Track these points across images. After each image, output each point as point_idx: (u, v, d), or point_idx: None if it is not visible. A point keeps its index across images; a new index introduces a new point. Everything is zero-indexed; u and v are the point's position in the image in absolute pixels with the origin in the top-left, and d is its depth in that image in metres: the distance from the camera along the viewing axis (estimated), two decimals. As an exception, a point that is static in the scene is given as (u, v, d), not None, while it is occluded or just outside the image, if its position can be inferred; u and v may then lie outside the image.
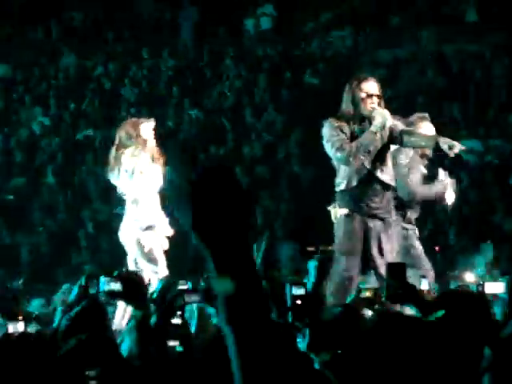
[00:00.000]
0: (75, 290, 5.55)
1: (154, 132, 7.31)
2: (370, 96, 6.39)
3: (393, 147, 6.67)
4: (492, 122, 13.24)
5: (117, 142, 7.30)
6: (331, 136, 6.41)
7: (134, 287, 3.80)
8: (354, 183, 6.44)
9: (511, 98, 13.48)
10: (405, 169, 6.85)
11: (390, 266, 3.59)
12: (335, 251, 6.55)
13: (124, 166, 7.10)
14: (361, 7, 15.94)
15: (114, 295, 3.94)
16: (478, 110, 13.49)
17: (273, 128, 14.50)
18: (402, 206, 6.88)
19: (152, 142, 7.24)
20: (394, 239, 6.53)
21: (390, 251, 6.43)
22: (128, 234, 7.08)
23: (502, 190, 12.08)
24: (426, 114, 7.04)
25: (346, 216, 6.43)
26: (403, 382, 2.48)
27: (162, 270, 6.98)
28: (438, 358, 2.61)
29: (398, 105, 13.54)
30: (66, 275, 12.42)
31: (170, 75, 15.81)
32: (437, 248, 10.77)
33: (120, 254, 12.64)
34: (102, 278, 3.91)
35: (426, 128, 6.89)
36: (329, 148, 6.45)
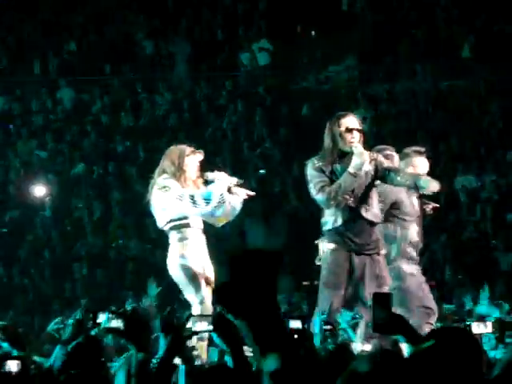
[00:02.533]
0: (70, 324, 5.49)
1: (199, 164, 6.98)
2: (349, 131, 6.45)
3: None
4: (487, 158, 13.28)
5: (159, 169, 6.99)
6: (312, 177, 6.48)
7: (137, 327, 3.70)
8: (340, 222, 6.46)
9: (506, 134, 13.54)
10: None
11: (376, 296, 3.58)
12: (320, 284, 6.58)
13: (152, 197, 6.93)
14: (357, 42, 16.05)
15: (114, 333, 3.86)
16: (473, 145, 13.54)
17: (269, 162, 14.52)
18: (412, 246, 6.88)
19: (193, 175, 6.91)
20: (382, 275, 6.53)
21: (375, 287, 6.45)
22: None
23: (498, 225, 12.08)
24: (423, 149, 7.04)
25: (332, 250, 6.46)
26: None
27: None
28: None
29: (392, 139, 13.59)
30: (62, 308, 12.36)
31: (166, 109, 15.86)
32: (432, 284, 10.75)
33: (115, 287, 12.58)
34: (106, 314, 3.82)
35: (420, 163, 6.88)
36: (311, 190, 6.53)
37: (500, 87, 14.35)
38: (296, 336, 4.23)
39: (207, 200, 6.77)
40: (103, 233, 14.11)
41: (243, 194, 6.97)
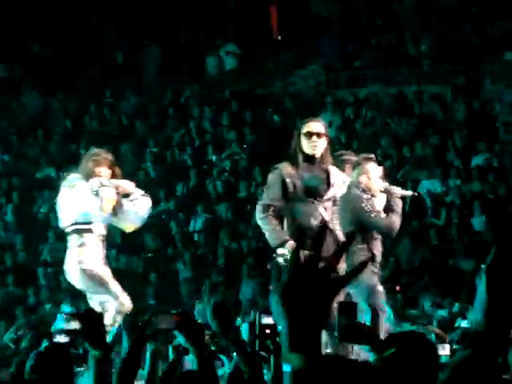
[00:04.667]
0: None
1: (110, 170, 6.97)
2: (310, 135, 6.57)
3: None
4: (452, 163, 13.39)
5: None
6: (269, 186, 6.64)
7: (91, 325, 3.74)
8: (302, 230, 6.51)
9: (471, 139, 13.66)
10: (367, 211, 6.84)
11: (341, 305, 3.59)
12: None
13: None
14: (324, 47, 16.12)
15: (71, 333, 3.87)
16: (438, 150, 13.64)
17: (235, 166, 14.53)
18: (368, 246, 6.88)
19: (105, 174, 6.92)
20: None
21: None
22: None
23: (461, 230, 12.17)
24: (372, 155, 7.10)
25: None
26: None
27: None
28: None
29: (359, 145, 13.65)
30: (25, 314, 12.25)
31: (133, 113, 15.81)
32: (397, 287, 10.82)
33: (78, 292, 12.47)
34: (61, 317, 3.84)
35: (372, 169, 6.93)
36: (262, 194, 6.74)
37: (465, 93, 14.47)
38: (268, 331, 4.25)
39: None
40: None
41: (143, 199, 6.97)
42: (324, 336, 6.51)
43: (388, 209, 6.90)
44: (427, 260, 11.83)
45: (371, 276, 6.75)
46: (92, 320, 3.75)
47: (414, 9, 15.77)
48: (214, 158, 14.74)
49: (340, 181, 6.74)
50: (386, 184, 6.98)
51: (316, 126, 6.67)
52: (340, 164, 6.92)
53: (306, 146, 6.58)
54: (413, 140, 13.93)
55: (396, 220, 6.86)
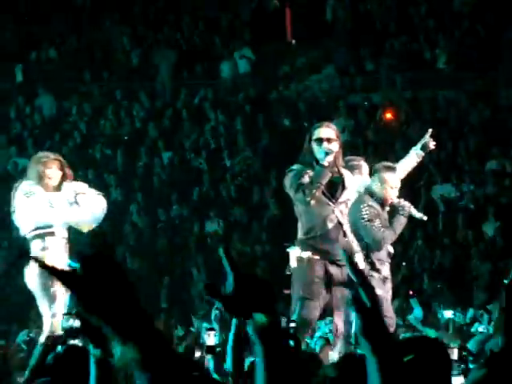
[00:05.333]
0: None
1: (61, 172, 6.89)
2: (320, 140, 6.59)
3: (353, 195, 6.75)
4: (465, 168, 13.36)
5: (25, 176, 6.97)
6: (292, 181, 6.58)
7: (92, 324, 3.74)
8: (315, 230, 6.49)
9: (485, 144, 13.62)
10: (364, 218, 6.84)
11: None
12: (295, 294, 6.57)
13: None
14: (338, 51, 16.11)
15: (73, 332, 3.87)
16: (452, 155, 13.61)
17: (249, 170, 14.54)
18: (367, 253, 6.90)
19: (55, 182, 6.84)
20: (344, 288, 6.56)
21: (342, 296, 6.49)
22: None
23: (475, 234, 12.14)
24: (393, 165, 7.07)
25: (309, 259, 6.47)
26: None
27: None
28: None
29: (372, 149, 13.64)
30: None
31: (146, 116, 15.85)
32: (411, 292, 10.80)
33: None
34: (63, 316, 3.84)
35: (391, 179, 6.91)
36: (292, 192, 6.59)
37: (480, 98, 14.44)
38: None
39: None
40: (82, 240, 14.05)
41: (97, 199, 6.94)
42: (339, 344, 6.52)
43: (388, 222, 6.90)
44: (441, 264, 11.81)
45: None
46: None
47: (429, 13, 15.74)
48: (227, 162, 14.76)
49: (353, 184, 6.75)
50: (401, 200, 6.95)
51: (326, 131, 6.67)
52: (349, 169, 6.92)
53: (317, 151, 6.60)
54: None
55: (389, 236, 6.83)
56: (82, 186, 6.98)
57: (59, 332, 6.38)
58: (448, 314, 8.65)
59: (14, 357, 9.49)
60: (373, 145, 13.99)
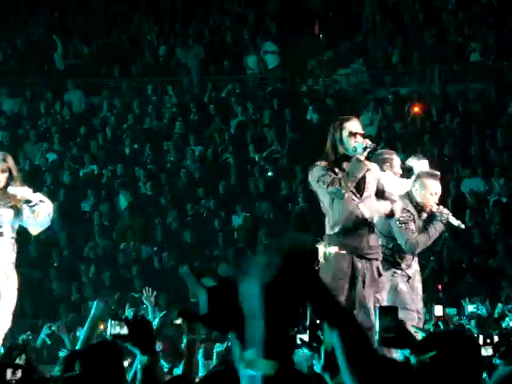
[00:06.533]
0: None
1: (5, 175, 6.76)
2: (353, 134, 6.46)
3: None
4: (494, 161, 13.25)
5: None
6: (321, 176, 6.46)
7: (140, 331, 3.76)
8: (343, 225, 6.46)
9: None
10: (400, 221, 6.87)
11: (382, 310, 3.54)
12: None
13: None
14: (365, 45, 16.05)
15: (120, 339, 3.90)
16: (481, 149, 13.50)
17: (276, 164, 14.53)
18: (391, 250, 6.91)
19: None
20: (379, 282, 6.55)
21: (374, 292, 6.47)
22: None
23: (506, 229, 12.04)
24: (437, 172, 7.04)
25: (336, 255, 6.45)
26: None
27: None
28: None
29: (402, 143, 13.57)
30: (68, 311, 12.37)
31: (174, 111, 15.89)
32: (439, 286, 10.76)
33: (123, 290, 12.57)
34: (110, 321, 3.87)
35: (433, 186, 6.92)
36: (321, 187, 6.48)
37: (510, 90, 14.30)
38: (318, 322, 4.22)
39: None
40: (111, 235, 14.14)
41: (42, 205, 6.88)
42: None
43: (423, 227, 6.89)
44: (470, 259, 11.73)
45: (393, 278, 6.82)
46: (140, 326, 3.78)
47: (457, 5, 15.62)
48: (255, 156, 14.76)
49: (375, 178, 6.68)
50: (440, 206, 6.92)
51: (357, 125, 6.55)
52: (380, 163, 6.88)
53: (352, 145, 6.41)
54: (455, 138, 13.81)
55: (423, 240, 6.84)
56: (27, 192, 6.74)
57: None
58: (471, 307, 8.63)
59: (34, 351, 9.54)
60: (400, 138, 13.92)
